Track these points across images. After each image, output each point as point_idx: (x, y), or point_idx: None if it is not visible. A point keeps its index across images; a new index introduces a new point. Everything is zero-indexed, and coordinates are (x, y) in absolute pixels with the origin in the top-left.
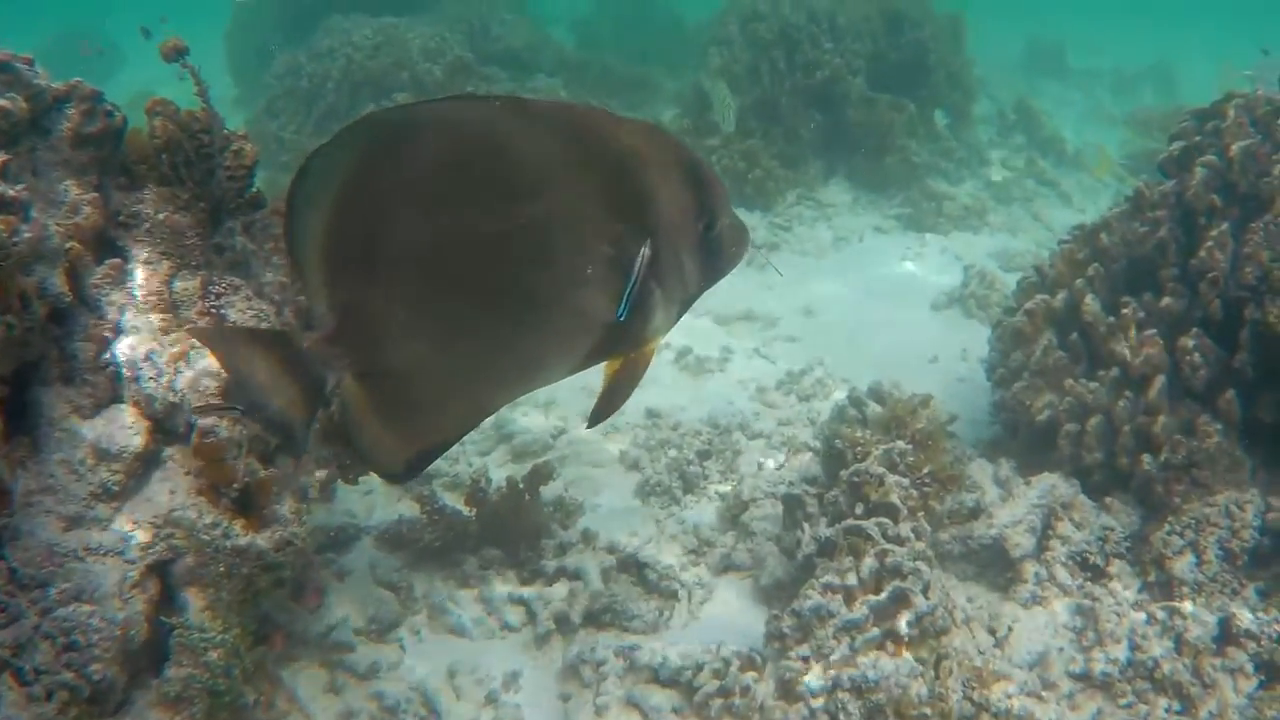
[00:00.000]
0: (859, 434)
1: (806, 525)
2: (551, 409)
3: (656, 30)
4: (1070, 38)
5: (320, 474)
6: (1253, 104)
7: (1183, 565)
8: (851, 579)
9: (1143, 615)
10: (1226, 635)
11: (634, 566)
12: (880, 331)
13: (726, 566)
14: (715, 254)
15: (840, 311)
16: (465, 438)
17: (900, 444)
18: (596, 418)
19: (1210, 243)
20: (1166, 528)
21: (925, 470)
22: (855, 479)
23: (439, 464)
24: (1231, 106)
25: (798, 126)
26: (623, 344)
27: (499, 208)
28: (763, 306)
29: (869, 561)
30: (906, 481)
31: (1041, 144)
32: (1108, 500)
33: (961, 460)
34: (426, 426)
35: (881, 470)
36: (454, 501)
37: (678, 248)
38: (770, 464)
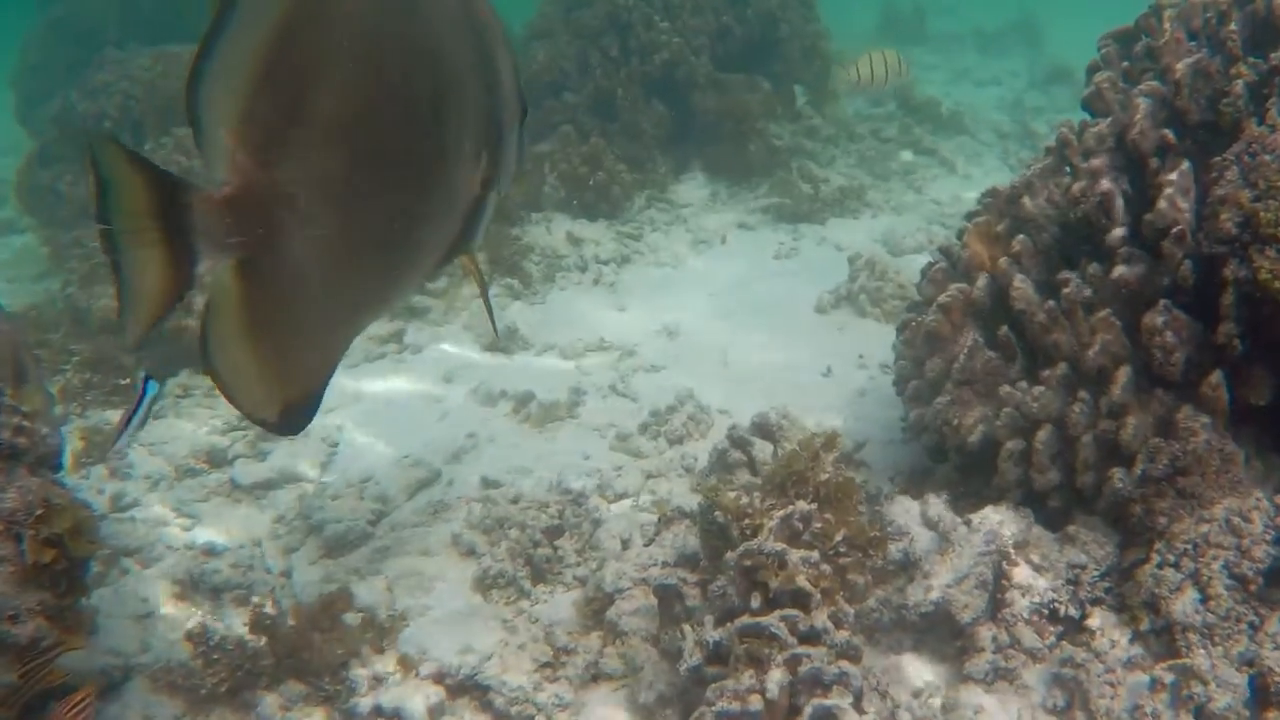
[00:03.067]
0: (744, 499)
1: (688, 627)
2: (367, 487)
3: None
4: (925, 2)
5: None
6: (1187, 12)
7: (1184, 605)
8: (755, 702)
9: (1145, 679)
10: (1261, 695)
11: (474, 692)
12: (759, 347)
13: (594, 677)
14: (522, 147)
15: (709, 328)
16: (267, 533)
17: (801, 505)
18: (496, 328)
19: (1170, 189)
20: (1156, 559)
21: (838, 537)
22: (747, 563)
23: (228, 574)
24: (1167, 19)
25: (639, 120)
26: (466, 242)
27: (412, 75)
28: (617, 333)
29: (776, 674)
30: (816, 555)
31: (915, 109)
32: (1071, 530)
33: (879, 501)
34: (303, 354)
35: (780, 546)
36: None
37: (513, 134)
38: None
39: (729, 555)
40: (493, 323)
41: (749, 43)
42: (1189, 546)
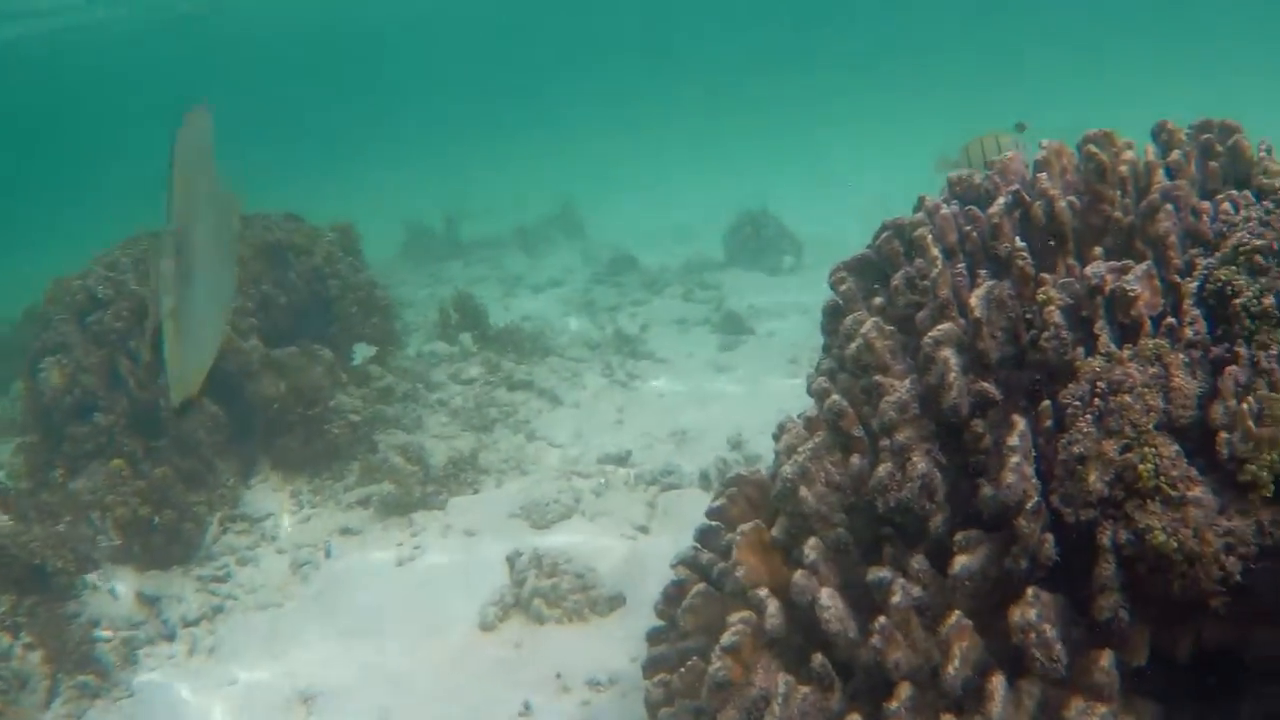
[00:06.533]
0: None
1: None
2: None
3: None
4: (447, 211)
5: None
6: (943, 228)
7: None
8: None
9: None
10: None
11: None
12: (427, 696)
13: None
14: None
15: (355, 684)
16: None
17: None
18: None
19: (1015, 458)
20: None
21: None
22: None
23: None
24: (929, 242)
25: (192, 430)
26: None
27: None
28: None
29: None
30: None
31: (492, 340)
32: None
33: None
34: (198, 357)
35: None
36: None
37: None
38: None
39: None
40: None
41: (298, 308)
42: None
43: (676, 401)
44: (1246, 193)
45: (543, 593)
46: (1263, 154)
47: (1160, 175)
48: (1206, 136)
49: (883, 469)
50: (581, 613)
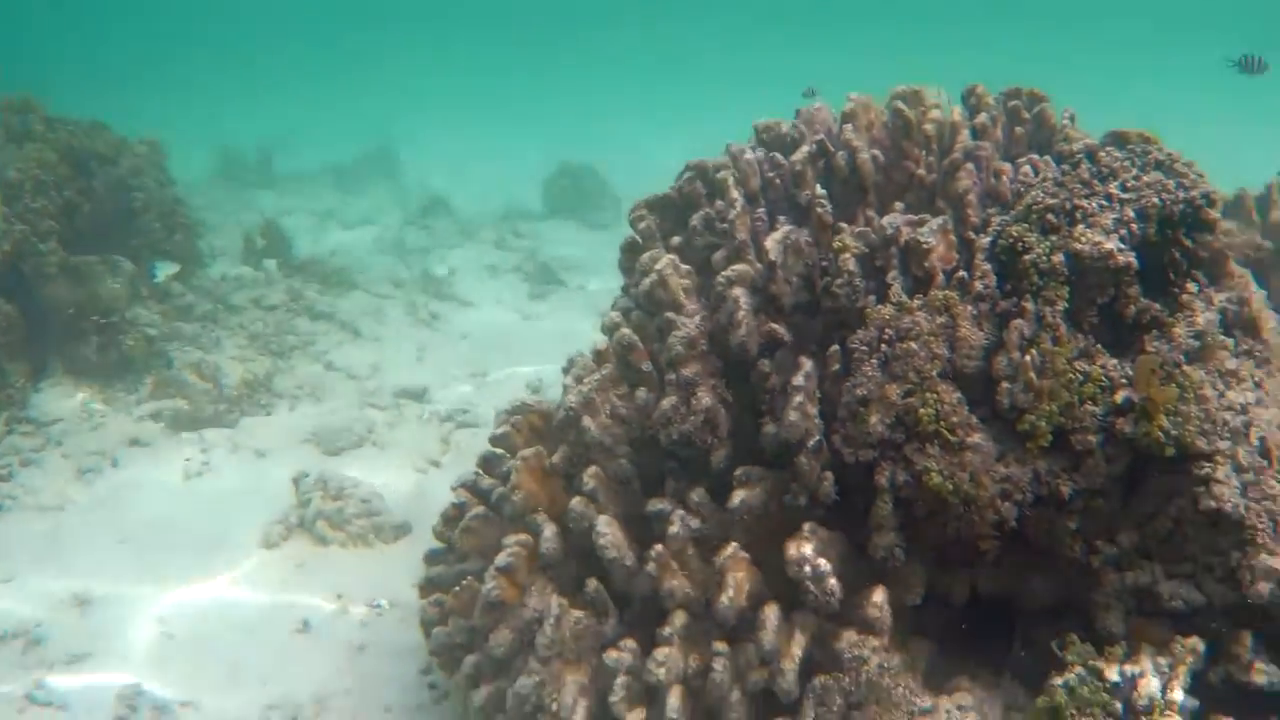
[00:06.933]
0: None
1: None
2: None
3: None
4: (269, 142)
5: None
6: (746, 172)
7: None
8: None
9: None
10: None
11: None
12: (203, 609)
13: None
14: None
15: (128, 588)
16: None
17: None
18: None
19: (799, 397)
20: None
21: None
22: None
23: None
24: (731, 186)
25: None
26: None
27: None
28: (11, 616)
29: None
30: None
31: (299, 268)
32: None
33: None
34: None
35: None
36: None
37: None
38: None
39: None
40: None
41: (101, 218)
42: None
43: (479, 344)
44: (1048, 158)
45: (327, 515)
46: (1065, 122)
47: (965, 136)
48: (1014, 103)
49: (667, 402)
50: (366, 538)
